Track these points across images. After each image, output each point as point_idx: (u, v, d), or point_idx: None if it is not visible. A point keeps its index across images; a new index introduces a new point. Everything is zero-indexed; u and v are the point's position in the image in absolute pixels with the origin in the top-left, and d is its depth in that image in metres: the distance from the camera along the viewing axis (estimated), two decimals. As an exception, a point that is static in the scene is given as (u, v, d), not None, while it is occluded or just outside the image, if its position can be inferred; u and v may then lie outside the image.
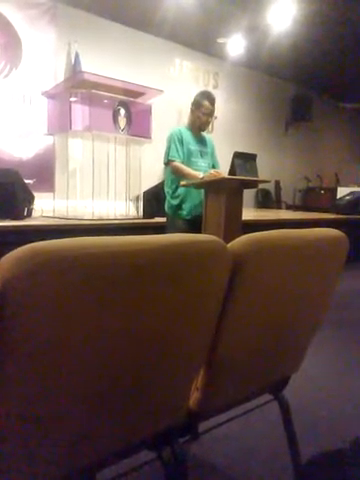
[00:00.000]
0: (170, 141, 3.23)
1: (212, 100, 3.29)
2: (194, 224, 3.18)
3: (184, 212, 3.26)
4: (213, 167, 3.41)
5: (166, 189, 3.36)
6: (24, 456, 0.80)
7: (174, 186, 3.26)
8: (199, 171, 3.16)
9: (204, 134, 3.46)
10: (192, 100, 3.34)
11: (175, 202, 3.27)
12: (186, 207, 3.25)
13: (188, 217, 3.25)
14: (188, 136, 3.28)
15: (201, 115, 3.27)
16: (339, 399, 2.29)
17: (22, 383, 0.73)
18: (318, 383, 2.46)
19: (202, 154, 3.35)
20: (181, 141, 3.22)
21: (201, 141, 3.38)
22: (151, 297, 0.83)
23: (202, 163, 3.30)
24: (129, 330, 0.83)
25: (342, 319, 3.69)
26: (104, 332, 0.78)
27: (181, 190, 3.23)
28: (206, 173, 3.10)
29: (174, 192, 3.28)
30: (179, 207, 3.26)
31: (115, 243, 0.75)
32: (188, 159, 3.24)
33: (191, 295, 0.90)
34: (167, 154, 3.23)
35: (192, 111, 3.34)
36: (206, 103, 3.26)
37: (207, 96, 3.30)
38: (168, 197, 3.33)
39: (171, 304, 0.87)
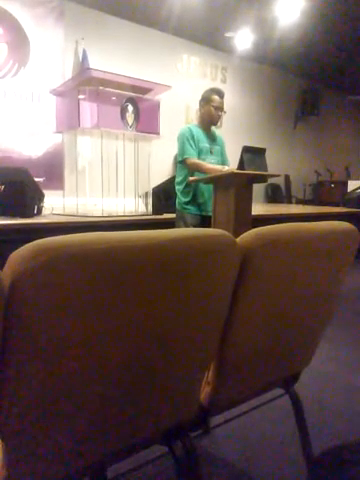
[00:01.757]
0: (183, 139, 3.23)
1: (221, 94, 3.30)
2: (204, 220, 3.20)
3: (194, 208, 3.26)
4: (223, 164, 3.40)
5: (176, 186, 3.36)
6: (25, 455, 0.80)
7: (184, 183, 3.27)
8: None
9: (214, 131, 3.45)
10: (200, 97, 3.33)
11: (185, 198, 3.28)
12: (196, 203, 3.26)
13: (198, 213, 3.26)
14: (198, 133, 3.28)
15: (212, 109, 3.26)
16: (349, 394, 2.28)
17: (27, 381, 0.73)
18: (328, 378, 2.44)
19: (212, 151, 3.34)
20: (192, 138, 3.22)
21: (211, 138, 3.37)
22: (159, 292, 0.82)
23: (212, 160, 3.30)
24: (138, 326, 0.82)
25: (353, 313, 3.67)
26: (113, 328, 0.78)
27: (191, 186, 3.24)
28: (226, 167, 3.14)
29: (184, 189, 3.28)
30: (189, 203, 3.26)
31: (122, 238, 0.74)
32: (198, 156, 3.24)
33: (200, 289, 0.90)
34: (182, 152, 3.23)
35: (201, 107, 3.33)
36: (216, 97, 3.26)
37: (215, 90, 3.31)
38: (178, 194, 3.33)
39: (180, 299, 0.87)
